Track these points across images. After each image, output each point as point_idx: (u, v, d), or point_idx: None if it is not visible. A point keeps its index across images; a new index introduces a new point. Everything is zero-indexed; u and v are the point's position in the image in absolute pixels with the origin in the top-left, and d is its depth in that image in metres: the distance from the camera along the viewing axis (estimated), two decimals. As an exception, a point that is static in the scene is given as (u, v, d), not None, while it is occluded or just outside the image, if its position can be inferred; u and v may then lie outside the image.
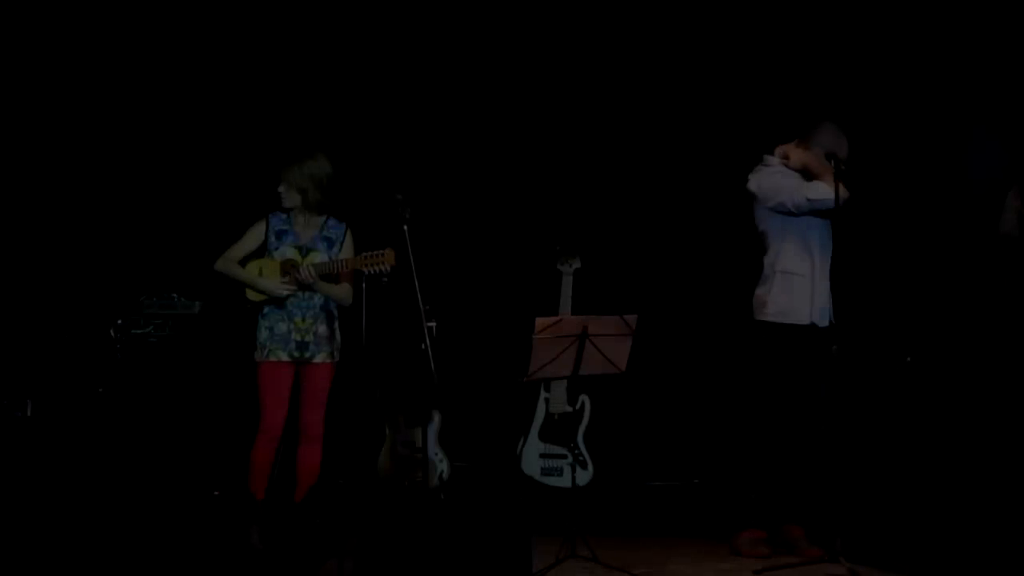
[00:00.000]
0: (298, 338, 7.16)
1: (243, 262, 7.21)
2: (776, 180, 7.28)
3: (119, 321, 8.62)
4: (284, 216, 7.26)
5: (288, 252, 7.19)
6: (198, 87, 9.38)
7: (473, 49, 9.54)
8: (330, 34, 9.53)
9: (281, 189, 7.20)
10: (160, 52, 9.30)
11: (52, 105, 9.14)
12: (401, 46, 9.61)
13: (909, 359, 8.34)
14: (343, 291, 7.21)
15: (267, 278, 7.15)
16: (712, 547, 7.35)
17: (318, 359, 7.19)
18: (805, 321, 7.17)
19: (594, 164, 10.20)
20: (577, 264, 8.53)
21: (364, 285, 6.92)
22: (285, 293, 7.12)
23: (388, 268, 6.91)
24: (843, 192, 7.00)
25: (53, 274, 8.65)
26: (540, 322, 6.67)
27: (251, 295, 7.17)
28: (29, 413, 8.39)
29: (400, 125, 9.69)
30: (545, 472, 8.53)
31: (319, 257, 7.20)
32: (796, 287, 7.21)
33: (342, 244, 7.29)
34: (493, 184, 10.14)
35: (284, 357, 7.15)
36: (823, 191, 7.07)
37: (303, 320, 7.18)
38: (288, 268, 7.14)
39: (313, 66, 9.51)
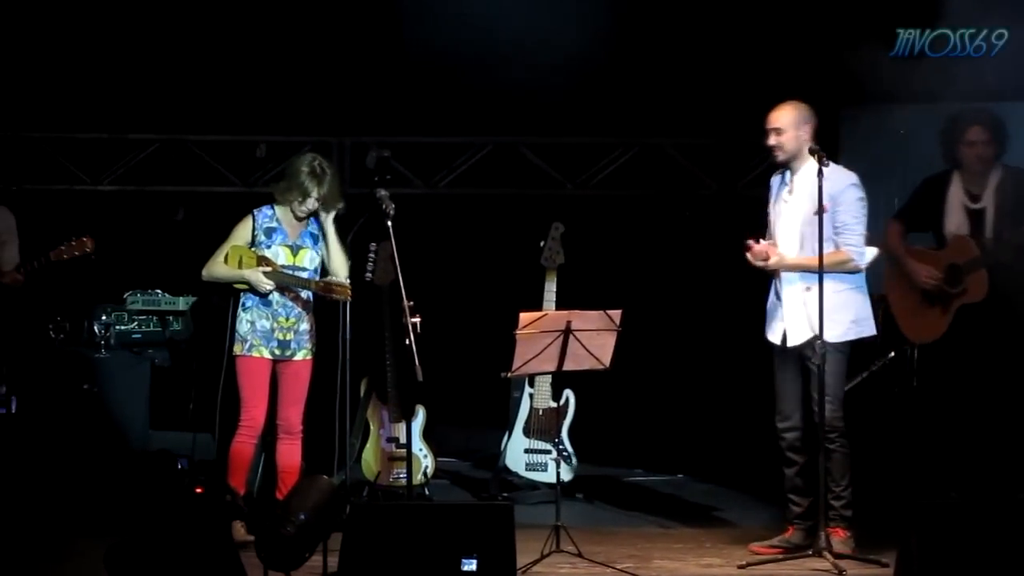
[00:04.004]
0: (280, 336, 7.16)
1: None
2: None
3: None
4: (270, 212, 7.24)
5: (280, 251, 7.18)
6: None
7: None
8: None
9: (314, 196, 7.08)
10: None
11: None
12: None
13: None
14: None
15: (248, 269, 7.13)
16: (696, 541, 7.37)
17: (298, 356, 7.19)
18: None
19: (579, 159, 10.23)
20: (561, 260, 8.52)
21: (347, 281, 6.91)
22: (268, 289, 7.11)
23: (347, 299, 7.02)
24: None
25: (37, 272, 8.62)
26: (524, 317, 6.67)
27: (238, 286, 7.17)
28: (14, 410, 8.38)
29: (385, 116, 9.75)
30: (530, 467, 8.53)
31: (309, 254, 7.21)
32: None
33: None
34: (478, 179, 10.16)
35: (265, 354, 7.15)
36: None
37: (287, 319, 7.17)
38: (264, 263, 7.12)
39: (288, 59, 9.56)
